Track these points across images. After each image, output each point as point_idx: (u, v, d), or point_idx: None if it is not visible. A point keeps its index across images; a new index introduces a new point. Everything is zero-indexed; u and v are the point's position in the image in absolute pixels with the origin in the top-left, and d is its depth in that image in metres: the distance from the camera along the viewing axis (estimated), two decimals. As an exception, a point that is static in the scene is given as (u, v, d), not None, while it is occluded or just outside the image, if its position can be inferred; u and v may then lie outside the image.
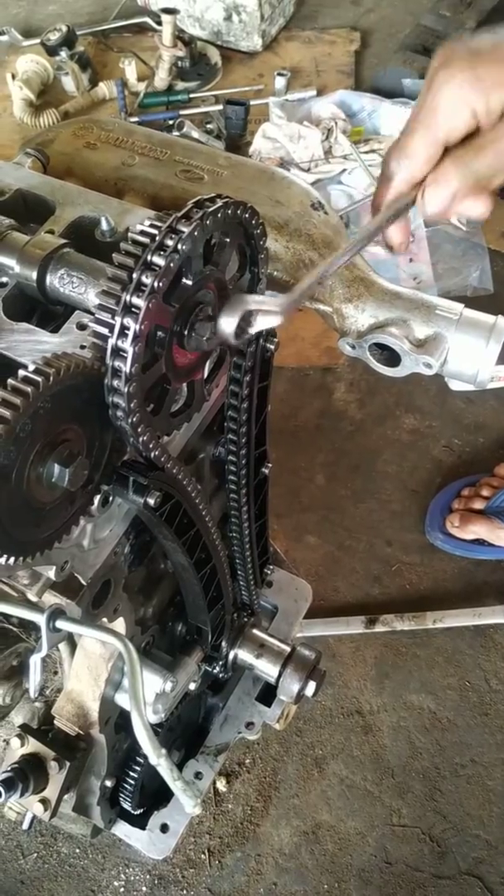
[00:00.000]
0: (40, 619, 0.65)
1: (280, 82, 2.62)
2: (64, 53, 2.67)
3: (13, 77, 2.65)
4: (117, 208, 0.79)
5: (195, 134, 2.43)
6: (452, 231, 2.25)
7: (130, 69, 2.69)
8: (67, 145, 0.98)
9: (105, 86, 2.70)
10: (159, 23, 2.67)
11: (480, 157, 0.65)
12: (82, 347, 0.65)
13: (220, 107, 2.50)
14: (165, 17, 2.62)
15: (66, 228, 0.77)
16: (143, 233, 0.61)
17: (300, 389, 2.04)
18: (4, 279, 0.72)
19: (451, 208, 0.68)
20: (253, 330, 0.65)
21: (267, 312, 0.64)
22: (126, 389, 0.60)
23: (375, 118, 2.45)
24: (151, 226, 0.61)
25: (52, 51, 2.69)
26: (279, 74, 2.63)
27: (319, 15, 3.08)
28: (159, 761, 0.57)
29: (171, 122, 2.50)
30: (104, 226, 0.75)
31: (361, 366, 2.08)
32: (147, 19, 2.89)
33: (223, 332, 0.65)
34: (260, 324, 0.65)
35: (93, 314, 0.62)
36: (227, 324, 0.64)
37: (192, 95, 2.70)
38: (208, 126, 2.52)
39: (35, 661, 0.66)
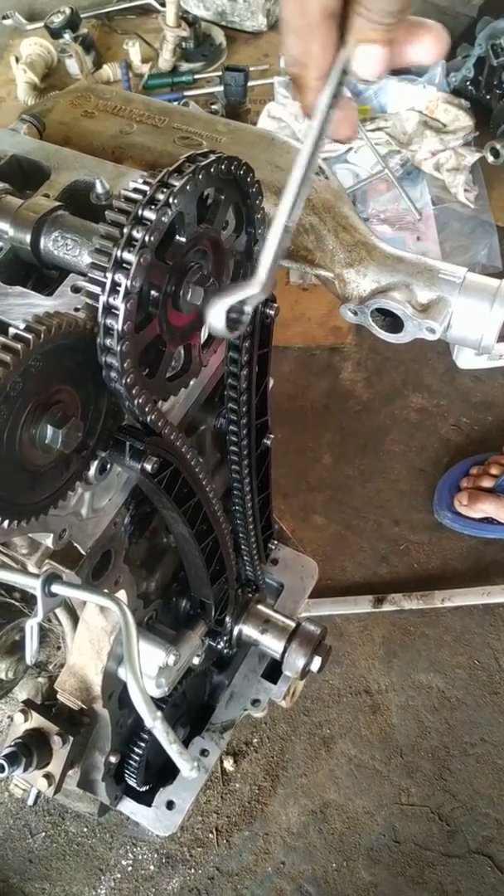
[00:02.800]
0: (35, 584, 0.64)
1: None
2: (68, 36, 2.65)
3: (17, 60, 2.63)
4: (113, 172, 0.78)
5: (200, 114, 2.41)
6: (460, 209, 2.22)
7: (134, 51, 2.67)
8: (65, 114, 0.97)
9: (109, 68, 2.67)
10: (163, 4, 2.65)
11: None
12: (77, 310, 0.64)
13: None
14: (169, -2, 2.60)
15: (62, 192, 0.76)
16: (135, 189, 0.60)
17: (307, 369, 2.02)
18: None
19: (394, 60, 0.55)
20: (247, 316, 0.60)
21: (250, 296, 0.58)
22: (119, 348, 0.59)
23: (381, 96, 2.41)
24: (144, 182, 0.60)
25: (55, 34, 2.67)
26: (284, 54, 2.59)
27: (325, -6, 3.04)
28: (154, 724, 0.57)
29: (175, 104, 2.47)
30: (99, 189, 0.74)
31: (368, 345, 2.07)
32: (151, 0, 2.87)
33: (215, 330, 0.60)
34: (250, 304, 0.59)
35: (87, 276, 0.61)
36: (216, 320, 0.59)
37: (196, 76, 2.68)
38: (213, 107, 2.49)
39: (31, 626, 0.66)
